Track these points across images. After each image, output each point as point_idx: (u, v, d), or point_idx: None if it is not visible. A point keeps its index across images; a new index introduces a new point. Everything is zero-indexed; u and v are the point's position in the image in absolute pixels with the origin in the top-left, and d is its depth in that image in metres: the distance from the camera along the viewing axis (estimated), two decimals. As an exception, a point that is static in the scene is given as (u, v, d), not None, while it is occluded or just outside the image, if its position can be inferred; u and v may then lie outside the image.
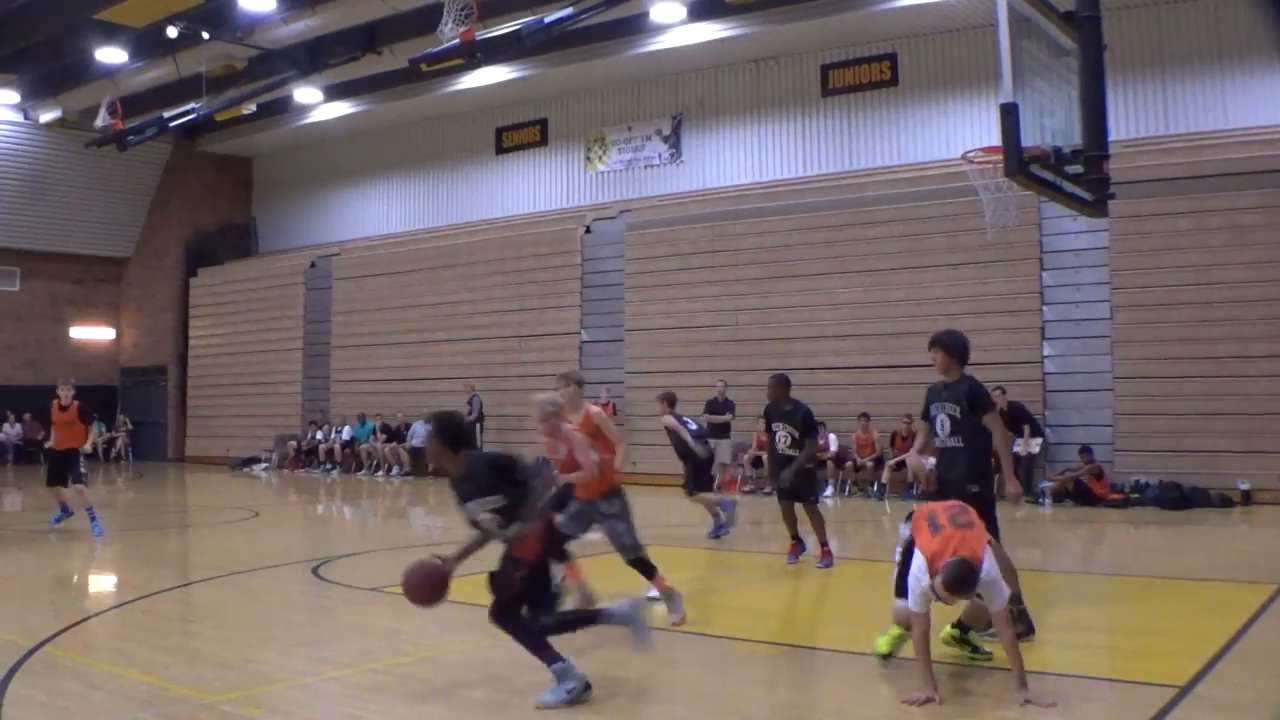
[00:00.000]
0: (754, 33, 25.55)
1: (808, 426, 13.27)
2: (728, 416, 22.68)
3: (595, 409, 10.96)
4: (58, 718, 6.86)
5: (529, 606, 7.48)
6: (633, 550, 9.66)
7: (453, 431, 7.52)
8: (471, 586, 11.49)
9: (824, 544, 13.09)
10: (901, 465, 21.19)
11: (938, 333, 9.16)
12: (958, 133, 23.03)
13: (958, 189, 19.34)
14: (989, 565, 7.10)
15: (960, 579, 6.96)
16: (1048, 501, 19.89)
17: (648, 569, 9.72)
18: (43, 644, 8.37)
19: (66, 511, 16.91)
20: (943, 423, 8.87)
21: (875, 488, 21.92)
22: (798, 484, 13.36)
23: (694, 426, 16.75)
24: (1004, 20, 9.48)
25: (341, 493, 25.83)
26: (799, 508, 13.29)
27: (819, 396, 22.83)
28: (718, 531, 15.96)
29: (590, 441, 10.84)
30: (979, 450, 8.74)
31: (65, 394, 16.92)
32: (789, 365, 23.23)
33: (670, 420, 16.75)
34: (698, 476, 16.39)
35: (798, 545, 13.37)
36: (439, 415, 7.68)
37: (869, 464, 22.09)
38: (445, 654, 8.84)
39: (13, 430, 34.04)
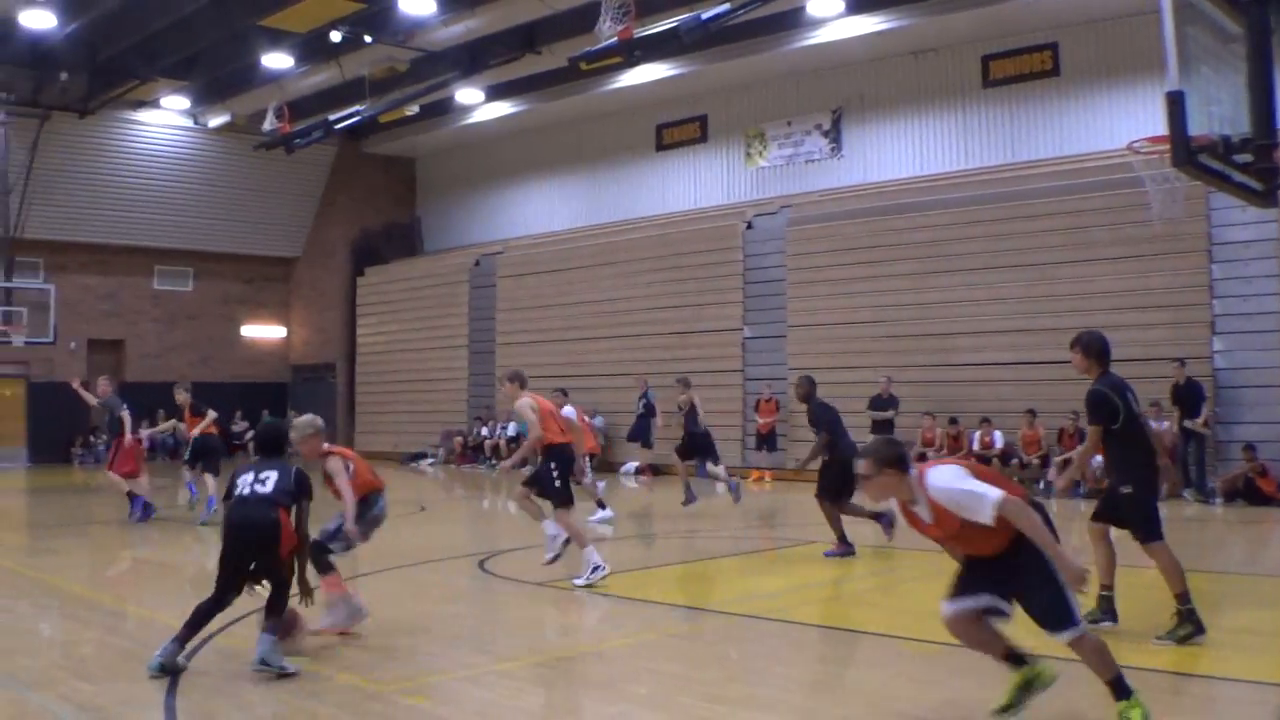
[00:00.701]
0: (912, 24, 25.24)
1: (815, 424, 13.80)
2: (890, 413, 22.60)
3: (522, 400, 11.70)
4: (229, 706, 7.07)
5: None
6: (322, 535, 9.02)
7: (260, 437, 8.87)
8: (634, 582, 11.65)
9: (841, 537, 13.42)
10: (1068, 463, 20.83)
11: (1080, 332, 9.15)
12: (1121, 123, 22.49)
13: (1122, 180, 18.96)
14: (940, 479, 6.19)
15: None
16: (1218, 500, 19.39)
17: (321, 564, 8.87)
18: (215, 634, 8.62)
19: (210, 505, 17.75)
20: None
21: (1041, 485, 21.55)
22: (823, 483, 13.57)
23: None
24: (1168, 6, 9.31)
25: (506, 488, 26.11)
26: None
27: (983, 393, 22.68)
28: (688, 502, 18.55)
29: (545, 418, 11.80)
30: (1121, 453, 8.69)
31: (178, 397, 19.08)
32: (952, 361, 23.14)
33: (684, 399, 19.22)
34: (707, 451, 19.02)
35: (841, 544, 13.43)
36: (265, 425, 9.09)
37: (1035, 461, 21.73)
38: (609, 648, 8.94)
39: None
